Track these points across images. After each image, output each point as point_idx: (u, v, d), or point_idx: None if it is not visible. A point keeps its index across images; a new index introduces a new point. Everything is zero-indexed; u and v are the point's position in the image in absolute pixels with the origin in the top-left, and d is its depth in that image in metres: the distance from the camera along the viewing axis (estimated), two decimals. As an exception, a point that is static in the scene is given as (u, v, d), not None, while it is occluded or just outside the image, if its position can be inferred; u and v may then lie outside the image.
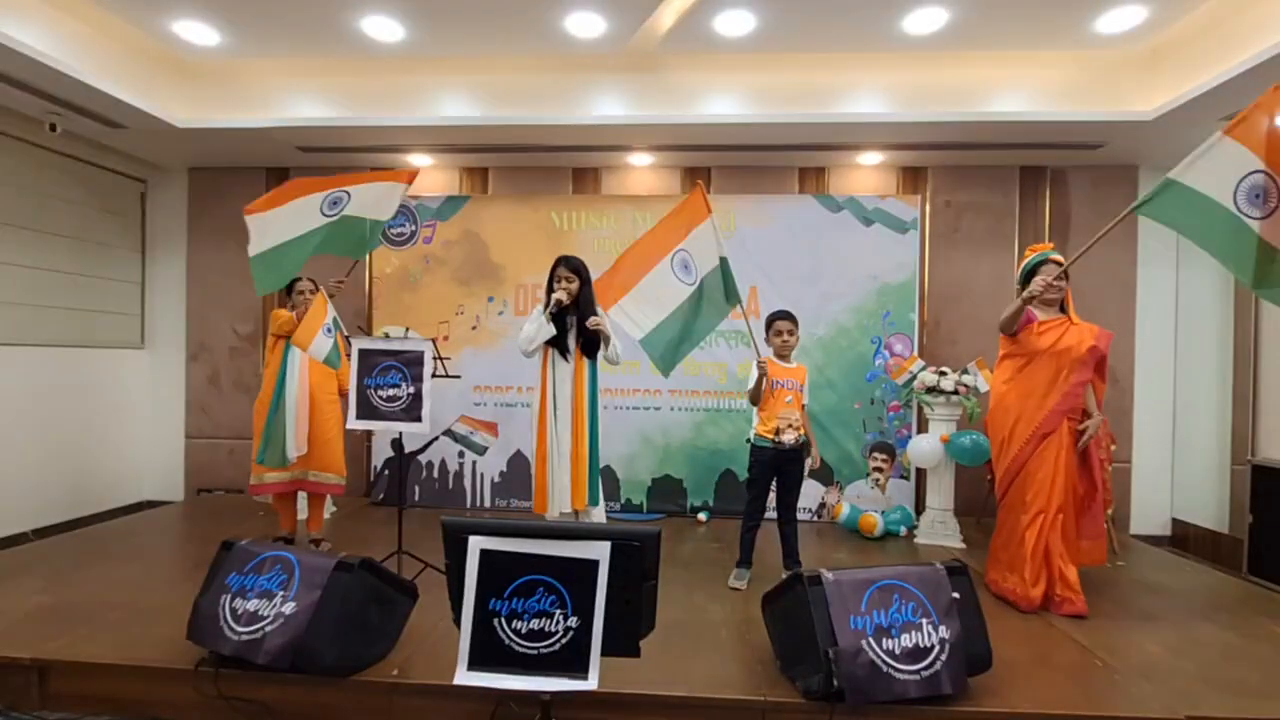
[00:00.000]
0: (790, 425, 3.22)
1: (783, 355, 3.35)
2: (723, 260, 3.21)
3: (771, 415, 3.26)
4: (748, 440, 3.43)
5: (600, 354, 3.36)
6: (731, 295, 3.22)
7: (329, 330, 3.29)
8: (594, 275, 3.42)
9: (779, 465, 3.30)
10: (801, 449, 3.28)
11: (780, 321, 3.33)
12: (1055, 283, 3.04)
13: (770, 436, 3.25)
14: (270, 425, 3.57)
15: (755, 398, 3.29)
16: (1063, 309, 3.18)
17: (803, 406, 3.32)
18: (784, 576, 2.37)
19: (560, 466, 3.27)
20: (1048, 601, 3.01)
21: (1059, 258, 3.16)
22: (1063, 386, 3.04)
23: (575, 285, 3.29)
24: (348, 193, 3.30)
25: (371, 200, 3.35)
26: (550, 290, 3.31)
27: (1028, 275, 3.20)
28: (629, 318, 3.20)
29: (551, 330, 3.22)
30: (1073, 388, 3.04)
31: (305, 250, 3.25)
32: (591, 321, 3.25)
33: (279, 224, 3.23)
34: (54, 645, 2.42)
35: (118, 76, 3.96)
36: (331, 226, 3.28)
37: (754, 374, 3.30)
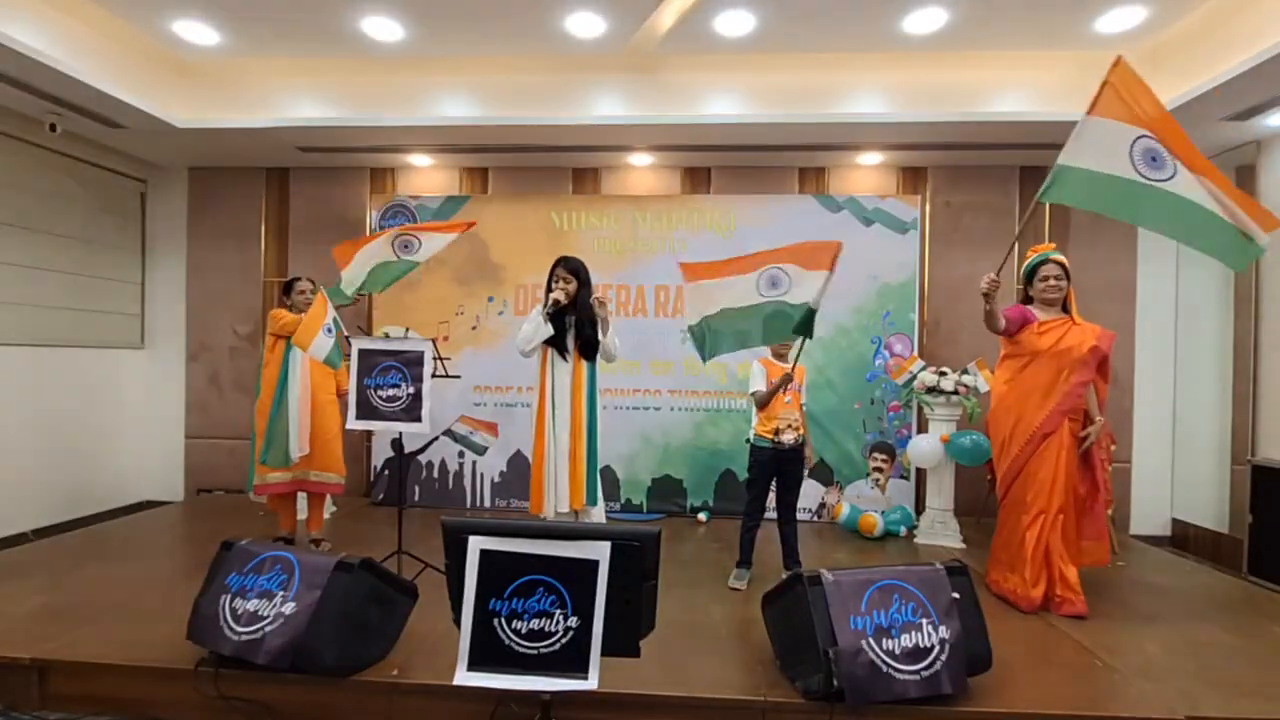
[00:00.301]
0: (790, 425, 3.22)
1: (781, 355, 3.35)
2: (812, 310, 3.02)
3: (771, 415, 3.26)
4: (747, 440, 3.43)
5: (598, 350, 3.36)
6: (800, 329, 3.07)
7: (329, 330, 3.29)
8: (594, 276, 3.42)
9: (779, 465, 3.31)
10: (801, 449, 3.29)
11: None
12: (998, 279, 2.93)
13: (770, 436, 3.25)
14: (273, 425, 3.57)
15: (765, 401, 3.29)
16: (1065, 309, 3.17)
17: (801, 406, 3.33)
18: (784, 576, 2.37)
19: (559, 467, 3.27)
20: (1048, 602, 3.01)
21: (1060, 258, 3.16)
22: (1063, 387, 3.03)
23: (573, 286, 3.30)
24: (418, 239, 3.75)
25: (432, 246, 3.87)
26: (549, 291, 3.31)
27: (1029, 275, 3.20)
28: (697, 300, 3.26)
29: (549, 330, 3.23)
30: (1073, 388, 3.03)
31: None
32: (595, 301, 3.27)
33: (360, 264, 3.82)
34: (54, 645, 2.42)
35: (118, 76, 3.96)
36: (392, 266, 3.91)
37: (756, 374, 3.31)
